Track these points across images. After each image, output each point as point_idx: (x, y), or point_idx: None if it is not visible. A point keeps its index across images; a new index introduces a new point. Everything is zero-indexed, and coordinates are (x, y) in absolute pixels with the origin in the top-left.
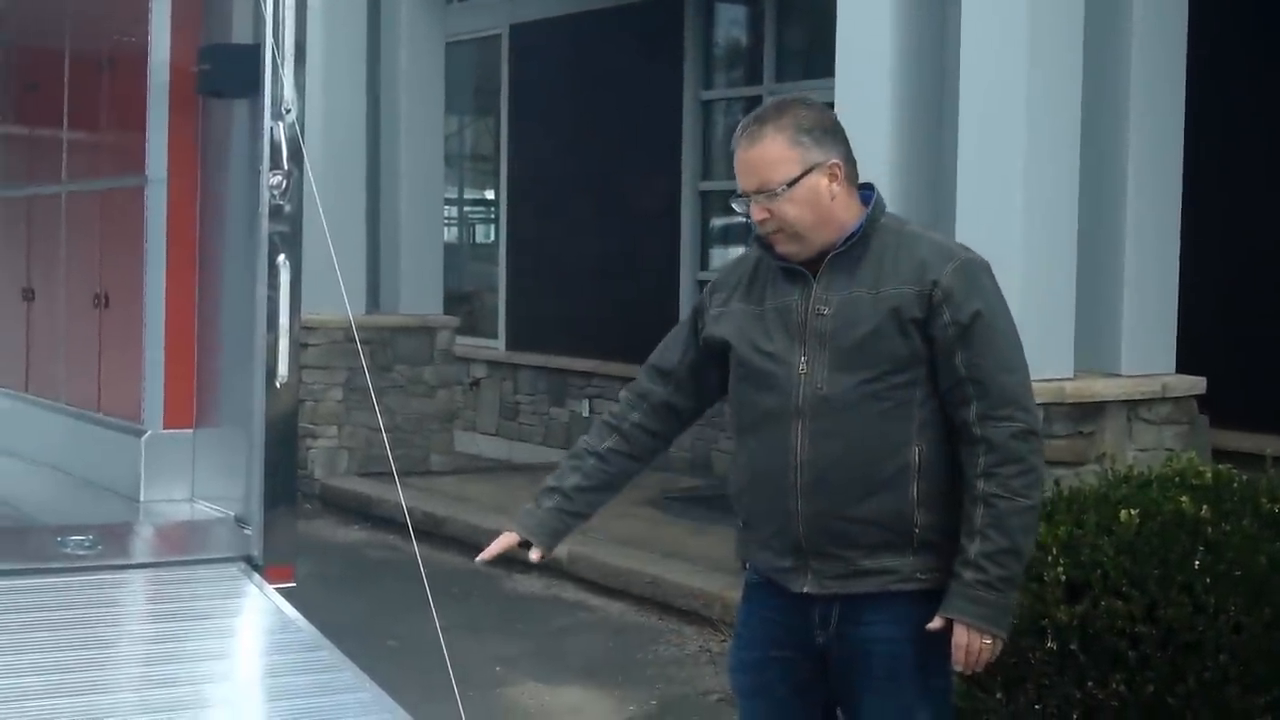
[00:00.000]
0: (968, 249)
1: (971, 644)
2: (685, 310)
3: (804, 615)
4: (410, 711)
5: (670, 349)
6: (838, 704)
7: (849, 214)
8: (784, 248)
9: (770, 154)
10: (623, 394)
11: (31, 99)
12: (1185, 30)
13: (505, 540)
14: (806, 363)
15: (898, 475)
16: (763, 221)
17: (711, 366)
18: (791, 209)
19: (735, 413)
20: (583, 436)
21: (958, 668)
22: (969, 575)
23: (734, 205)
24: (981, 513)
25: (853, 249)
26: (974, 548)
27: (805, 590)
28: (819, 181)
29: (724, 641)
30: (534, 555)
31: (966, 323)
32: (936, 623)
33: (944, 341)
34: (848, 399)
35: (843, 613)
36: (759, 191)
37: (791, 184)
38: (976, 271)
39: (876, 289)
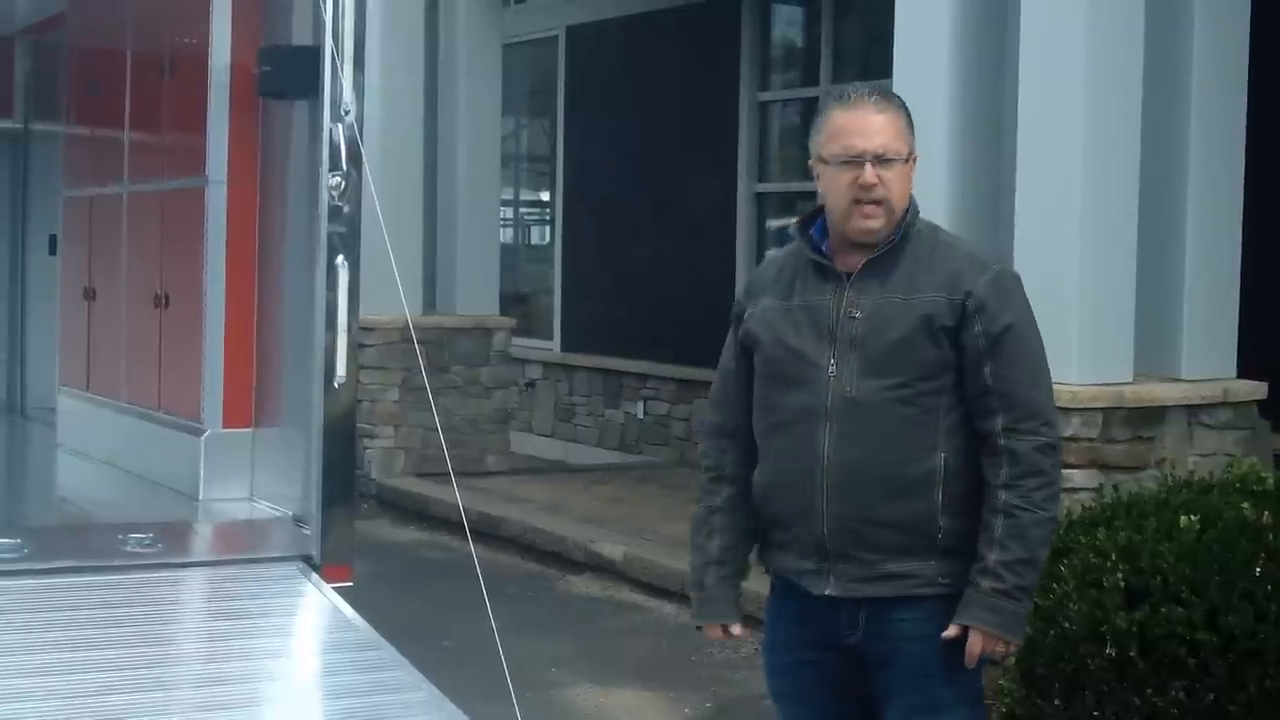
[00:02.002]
0: (999, 261)
1: (987, 650)
2: None
3: (831, 617)
4: (466, 712)
5: (727, 380)
6: (876, 702)
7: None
8: (872, 221)
9: (897, 126)
10: (703, 445)
11: (93, 101)
12: (1248, 32)
13: (711, 635)
14: (836, 365)
15: (923, 480)
16: (872, 186)
17: None
18: (898, 182)
19: (761, 414)
20: (695, 510)
21: (969, 665)
22: (987, 584)
23: (837, 158)
24: (1002, 523)
25: (891, 253)
26: (993, 556)
27: (827, 592)
28: (910, 170)
29: None
30: (736, 630)
31: (998, 334)
32: (952, 630)
33: (973, 351)
34: (875, 403)
35: (870, 613)
36: (881, 155)
37: (906, 160)
38: (1009, 284)
39: (908, 296)
